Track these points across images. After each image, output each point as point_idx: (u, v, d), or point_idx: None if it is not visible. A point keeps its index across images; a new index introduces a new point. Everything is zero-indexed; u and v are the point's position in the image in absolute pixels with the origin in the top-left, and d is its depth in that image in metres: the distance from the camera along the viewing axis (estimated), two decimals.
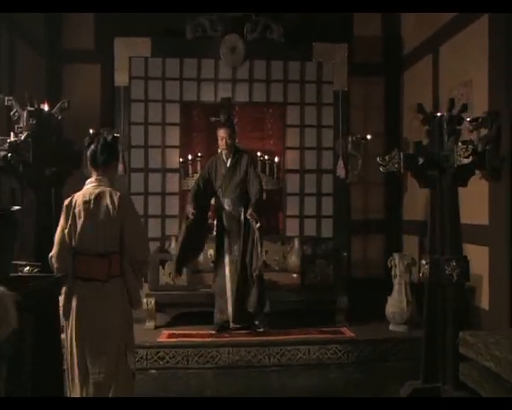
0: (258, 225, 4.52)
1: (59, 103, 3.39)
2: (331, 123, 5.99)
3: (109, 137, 2.77)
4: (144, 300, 4.74)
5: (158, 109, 5.89)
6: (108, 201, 2.69)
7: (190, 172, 6.06)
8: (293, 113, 6.04)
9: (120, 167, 5.51)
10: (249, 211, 4.58)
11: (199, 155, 6.18)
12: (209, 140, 6.38)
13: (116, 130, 5.59)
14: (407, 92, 6.52)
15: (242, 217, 4.70)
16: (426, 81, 5.86)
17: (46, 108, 3.34)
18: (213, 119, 5.54)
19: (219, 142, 4.74)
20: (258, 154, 6.12)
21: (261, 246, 4.65)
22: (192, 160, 6.08)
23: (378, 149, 5.79)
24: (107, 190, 2.72)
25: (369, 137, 5.83)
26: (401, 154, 3.48)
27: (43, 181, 3.26)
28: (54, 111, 3.37)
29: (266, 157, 6.15)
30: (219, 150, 4.88)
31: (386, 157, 3.50)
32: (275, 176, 6.11)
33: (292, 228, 6.00)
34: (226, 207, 4.81)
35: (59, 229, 2.75)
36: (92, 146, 2.73)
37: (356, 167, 5.78)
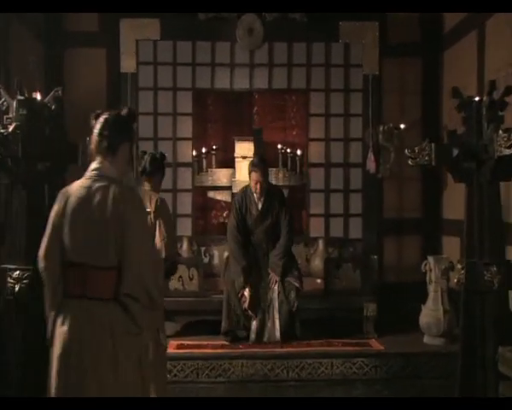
0: (277, 284, 4.77)
1: (52, 92, 3.39)
2: (360, 111, 5.88)
3: (157, 154, 3.72)
4: None
5: (168, 98, 5.87)
6: (148, 202, 3.43)
7: (204, 166, 6.06)
8: (317, 100, 5.96)
9: None
10: (273, 267, 4.81)
11: (214, 147, 6.17)
12: (225, 131, 6.39)
13: None
14: (448, 75, 6.34)
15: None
16: (469, 62, 5.68)
17: (39, 96, 3.36)
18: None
19: (252, 184, 4.87)
20: (279, 146, 6.09)
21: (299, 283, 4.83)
22: (206, 153, 6.07)
23: (414, 139, 5.63)
24: (149, 193, 3.56)
25: (402, 126, 5.72)
26: (432, 145, 3.40)
27: (35, 177, 3.28)
28: (47, 100, 3.38)
29: (288, 150, 6.11)
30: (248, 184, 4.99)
31: (416, 149, 3.42)
32: (297, 171, 6.07)
33: (316, 228, 5.93)
34: (253, 241, 4.99)
35: None
36: (145, 157, 3.65)
37: (388, 160, 5.69)
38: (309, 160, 6.02)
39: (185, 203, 5.90)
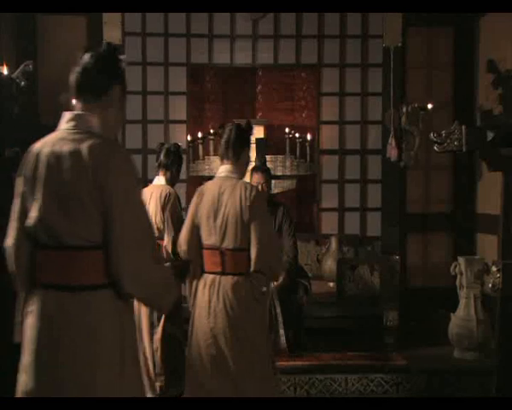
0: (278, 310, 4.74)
1: (21, 66, 3.37)
2: (380, 89, 5.87)
3: (172, 147, 4.14)
4: None
5: (159, 74, 5.90)
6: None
7: (201, 153, 6.02)
8: (330, 77, 5.98)
9: None
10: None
11: (211, 131, 6.12)
12: (224, 113, 6.40)
13: None
14: (484, 46, 6.29)
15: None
16: (511, 30, 5.62)
17: (5, 71, 3.33)
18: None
19: None
20: (287, 130, 6.08)
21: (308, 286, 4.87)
22: (203, 138, 6.04)
23: (443, 122, 5.63)
24: (161, 187, 4.09)
25: (430, 106, 5.70)
26: (463, 127, 3.37)
27: (2, 164, 3.26)
28: (15, 76, 3.36)
29: (297, 135, 6.10)
30: None
31: (443, 132, 3.40)
32: (307, 158, 6.04)
33: (329, 224, 5.98)
34: None
35: None
36: (161, 154, 4.14)
37: (412, 147, 5.68)
38: (320, 146, 6.04)
39: (179, 195, 5.87)
